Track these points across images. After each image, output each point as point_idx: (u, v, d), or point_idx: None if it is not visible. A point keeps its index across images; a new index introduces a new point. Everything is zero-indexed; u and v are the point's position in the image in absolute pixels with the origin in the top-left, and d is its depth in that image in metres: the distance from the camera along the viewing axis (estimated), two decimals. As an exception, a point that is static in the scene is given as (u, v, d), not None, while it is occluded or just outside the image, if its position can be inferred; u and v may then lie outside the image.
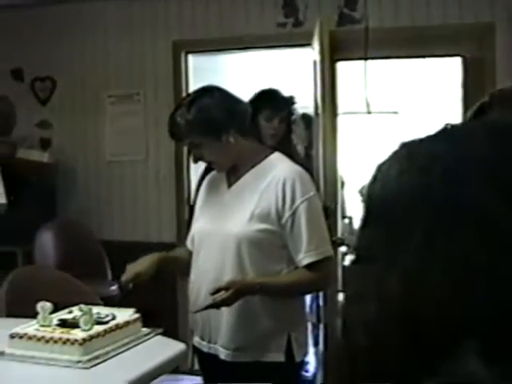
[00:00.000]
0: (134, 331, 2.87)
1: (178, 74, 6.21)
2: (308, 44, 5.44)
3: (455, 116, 5.93)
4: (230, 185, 3.14)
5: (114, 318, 2.86)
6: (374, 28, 5.46)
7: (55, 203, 6.25)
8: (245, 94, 8.91)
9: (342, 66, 5.77)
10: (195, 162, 3.15)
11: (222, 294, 2.84)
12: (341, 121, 5.80)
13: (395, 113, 9.27)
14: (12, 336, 2.69)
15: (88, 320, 2.71)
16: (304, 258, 2.97)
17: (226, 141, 3.01)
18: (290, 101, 4.92)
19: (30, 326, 2.75)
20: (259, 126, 4.49)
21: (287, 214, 2.96)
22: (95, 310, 2.89)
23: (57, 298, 3.04)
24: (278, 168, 3.05)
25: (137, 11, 6.22)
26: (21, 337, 2.67)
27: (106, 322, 2.79)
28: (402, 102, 9.17)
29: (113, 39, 6.32)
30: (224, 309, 2.92)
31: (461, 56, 5.54)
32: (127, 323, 2.84)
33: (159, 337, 2.94)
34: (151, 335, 2.91)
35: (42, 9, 6.45)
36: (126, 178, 6.20)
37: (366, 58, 5.09)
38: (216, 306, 2.86)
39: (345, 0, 5.63)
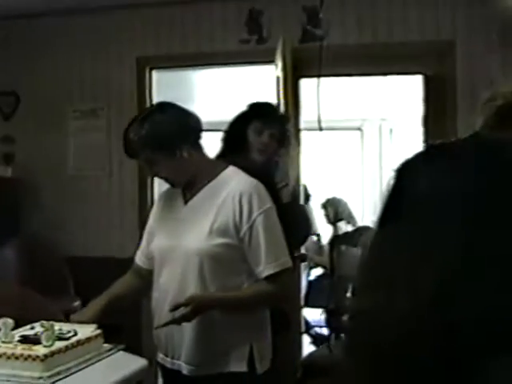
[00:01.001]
0: (96, 347, 2.86)
1: (142, 89, 6.22)
2: (271, 61, 5.48)
3: (417, 133, 6.00)
4: (186, 201, 3.17)
5: (75, 333, 2.85)
6: (336, 45, 5.51)
7: (18, 218, 6.21)
8: (210, 109, 8.93)
9: (306, 83, 5.82)
10: (151, 178, 3.18)
11: (182, 310, 2.87)
12: (304, 137, 5.85)
13: (359, 129, 9.36)
14: (-28, 353, 2.68)
15: (50, 336, 2.70)
16: (263, 270, 3.01)
17: (180, 156, 3.04)
18: (283, 117, 4.60)
19: (-10, 343, 2.73)
20: (247, 139, 4.18)
21: (245, 227, 3.00)
22: (57, 326, 2.87)
23: (18, 314, 3.03)
24: (234, 182, 3.09)
25: (101, 26, 6.22)
26: (-18, 353, 2.66)
27: (68, 338, 2.79)
28: (366, 118, 9.27)
29: (77, 54, 6.31)
30: (186, 324, 2.94)
31: (422, 74, 5.61)
32: (89, 339, 2.83)
33: (121, 352, 2.94)
34: (113, 351, 2.91)
35: (4, 24, 6.42)
36: (89, 193, 6.18)
37: (319, 76, 5.11)
38: (176, 322, 2.89)
39: (308, 17, 5.68)
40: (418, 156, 0.83)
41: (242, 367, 3.04)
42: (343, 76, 6.20)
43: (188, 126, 3.12)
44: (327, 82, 6.41)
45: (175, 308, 2.89)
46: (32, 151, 6.43)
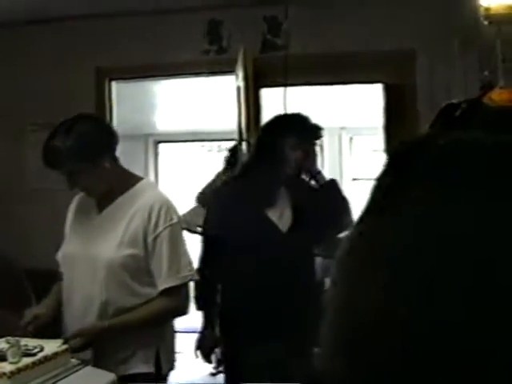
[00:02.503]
0: (63, 362, 2.82)
1: (101, 100, 6.18)
2: (232, 71, 5.48)
3: (377, 141, 6.03)
4: (100, 210, 3.19)
5: (42, 349, 2.80)
6: (296, 54, 5.52)
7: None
8: (171, 119, 8.88)
9: (266, 93, 5.83)
10: (71, 188, 3.18)
11: (76, 342, 2.95)
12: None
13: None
14: None
15: (16, 352, 2.65)
16: (163, 283, 3.09)
17: (102, 166, 3.07)
18: (318, 130, 4.12)
19: (-46, 360, 2.68)
20: (281, 152, 3.88)
21: (150, 238, 3.07)
22: (22, 341, 2.83)
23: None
24: (147, 195, 3.16)
25: (60, 37, 6.16)
26: None
27: (35, 354, 2.74)
28: (326, 127, 9.29)
29: (35, 65, 6.24)
30: None
31: (382, 83, 5.63)
32: (56, 354, 2.79)
33: (89, 367, 2.90)
34: (80, 366, 2.87)
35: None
36: (48, 205, 6.11)
37: (286, 85, 5.12)
38: (74, 351, 2.93)
39: (268, 27, 5.68)
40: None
41: (149, 368, 3.14)
42: (304, 85, 6.21)
43: (110, 136, 3.19)
44: (287, 91, 6.42)
45: (71, 337, 2.96)
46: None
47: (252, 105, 5.23)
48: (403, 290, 0.68)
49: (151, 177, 10.11)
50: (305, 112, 4.07)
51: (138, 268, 3.09)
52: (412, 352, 0.66)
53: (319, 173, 4.13)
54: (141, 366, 3.14)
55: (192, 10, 5.79)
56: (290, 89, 5.65)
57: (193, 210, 6.80)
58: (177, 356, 3.46)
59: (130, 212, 3.11)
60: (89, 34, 6.13)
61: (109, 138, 3.18)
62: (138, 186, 3.22)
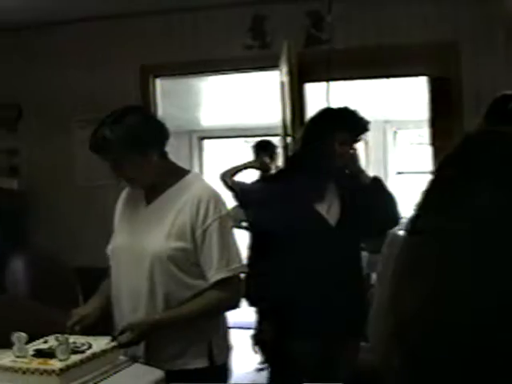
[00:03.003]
0: (112, 359, 2.83)
1: (146, 97, 6.21)
2: (275, 66, 5.47)
3: (422, 135, 5.98)
4: (148, 202, 3.19)
5: (90, 346, 2.82)
6: (340, 48, 5.50)
7: (25, 230, 6.20)
8: (216, 115, 8.90)
9: (310, 88, 5.81)
10: (116, 178, 3.18)
11: (128, 336, 2.94)
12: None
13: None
14: (-14, 369, 2.66)
15: (65, 349, 2.67)
16: (214, 275, 3.07)
17: (150, 158, 3.09)
18: (366, 123, 4.02)
19: (5, 358, 2.71)
20: (329, 146, 3.81)
21: (199, 231, 3.06)
22: (71, 339, 2.85)
23: (29, 328, 3.01)
24: (195, 187, 3.15)
25: (105, 35, 6.22)
26: (-3, 368, 2.64)
27: (83, 351, 2.76)
28: (370, 121, 9.24)
29: (81, 64, 6.30)
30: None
31: (427, 75, 5.59)
32: (104, 352, 2.80)
33: (137, 364, 2.92)
34: (129, 363, 2.89)
35: (6, 35, 6.42)
36: (97, 203, 6.15)
37: (328, 80, 5.10)
38: (124, 346, 2.94)
39: (311, 21, 5.66)
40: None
41: (204, 363, 3.12)
42: (347, 79, 6.18)
43: (158, 129, 3.19)
44: (331, 85, 6.39)
45: (120, 333, 2.94)
46: (38, 162, 6.42)
47: (296, 100, 5.21)
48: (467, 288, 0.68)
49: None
50: (347, 105, 4.02)
51: (187, 261, 3.08)
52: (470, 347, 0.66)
53: (362, 171, 4.08)
54: (194, 361, 3.12)
55: (235, 6, 5.79)
56: (333, 83, 5.63)
57: (237, 206, 6.80)
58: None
59: (177, 204, 3.11)
60: (133, 32, 6.17)
61: (157, 132, 3.18)
62: (186, 178, 3.21)
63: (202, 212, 3.06)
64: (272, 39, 5.75)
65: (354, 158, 3.94)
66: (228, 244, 3.11)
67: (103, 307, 3.30)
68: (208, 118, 9.75)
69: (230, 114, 9.21)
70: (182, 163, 9.02)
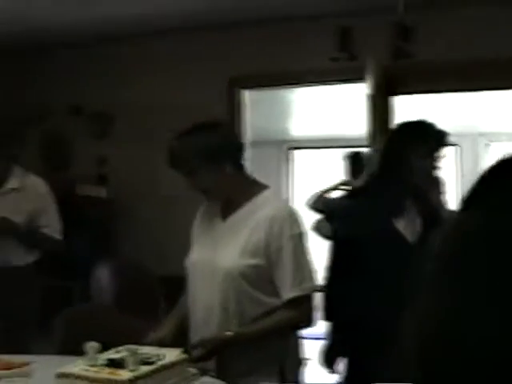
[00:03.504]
0: (181, 372, 2.85)
1: (233, 109, 6.26)
2: (362, 78, 5.43)
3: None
4: (224, 218, 3.19)
5: (161, 358, 2.84)
6: (428, 61, 5.42)
7: (112, 238, 6.29)
8: (304, 126, 8.89)
9: (400, 100, 5.75)
10: (192, 189, 3.19)
11: (198, 352, 2.95)
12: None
13: (455, 145, 9.20)
14: (58, 375, 2.70)
15: (134, 360, 2.69)
16: (287, 294, 3.04)
17: (223, 169, 3.08)
18: (443, 136, 3.86)
19: (77, 366, 2.75)
20: (407, 161, 3.74)
21: (274, 249, 3.03)
22: (144, 349, 2.87)
23: (109, 337, 3.05)
24: (271, 204, 3.13)
25: (192, 47, 6.30)
26: (67, 376, 2.68)
27: (153, 363, 2.78)
28: (463, 133, 9.09)
29: (169, 74, 6.40)
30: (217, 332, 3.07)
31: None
32: (174, 364, 2.82)
33: (206, 377, 2.92)
34: (198, 376, 2.89)
35: (99, 46, 6.56)
36: (181, 212, 6.20)
37: (418, 92, 5.04)
38: (194, 361, 2.94)
39: (399, 33, 5.60)
40: None
41: (273, 381, 3.08)
42: (437, 92, 6.08)
43: (233, 142, 3.21)
44: (421, 97, 6.33)
45: (192, 348, 2.97)
46: (126, 171, 6.53)
47: (381, 112, 5.16)
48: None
49: (284, 183, 10.16)
50: (437, 118, 3.94)
51: (260, 278, 3.07)
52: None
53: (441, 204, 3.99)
54: (264, 378, 3.11)
55: (322, 17, 5.77)
56: (422, 95, 5.56)
57: (323, 219, 6.76)
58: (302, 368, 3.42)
59: (252, 221, 3.10)
60: (220, 44, 6.22)
61: (232, 145, 3.19)
62: (262, 195, 3.20)
63: (276, 229, 3.04)
64: (359, 51, 5.71)
65: (434, 181, 3.86)
66: (302, 263, 3.08)
67: (179, 326, 3.33)
68: (297, 128, 9.75)
69: (320, 124, 9.19)
70: (271, 173, 9.11)
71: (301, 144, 10.29)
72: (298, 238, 3.08)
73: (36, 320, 5.14)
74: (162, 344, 3.15)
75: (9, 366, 2.82)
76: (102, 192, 6.38)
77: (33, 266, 5.27)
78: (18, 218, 5.11)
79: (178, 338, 3.27)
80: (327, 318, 3.91)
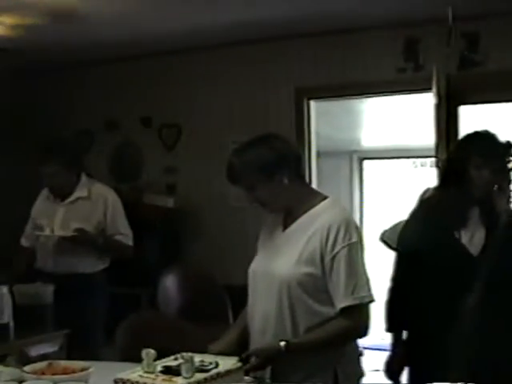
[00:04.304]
0: (236, 380, 2.87)
1: (300, 119, 6.28)
2: (429, 88, 5.40)
3: None
4: (284, 228, 3.21)
5: (217, 365, 2.88)
6: (495, 70, 5.37)
7: (179, 248, 6.37)
8: (373, 137, 8.83)
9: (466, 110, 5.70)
10: (250, 204, 3.21)
11: (252, 362, 2.97)
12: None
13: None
14: (116, 381, 2.75)
15: (189, 368, 2.73)
16: (340, 302, 3.03)
17: (280, 182, 3.08)
18: (505, 147, 3.82)
19: (134, 372, 2.80)
20: (468, 172, 3.73)
21: (328, 258, 3.03)
22: (200, 357, 2.91)
23: (172, 345, 3.10)
24: (327, 214, 3.11)
25: (258, 58, 6.36)
26: (124, 382, 2.73)
27: (208, 370, 2.81)
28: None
29: (236, 86, 6.46)
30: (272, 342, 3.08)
31: None
32: (229, 372, 2.84)
33: (261, 386, 2.94)
34: (253, 384, 2.92)
35: (169, 59, 6.67)
36: (248, 223, 6.25)
37: (484, 102, 4.99)
38: (249, 370, 2.96)
39: (466, 43, 5.56)
40: None
41: None
42: (505, 102, 6.00)
43: (288, 154, 3.17)
44: (491, 108, 6.24)
45: (247, 357, 2.99)
46: (193, 182, 6.61)
47: (445, 122, 5.12)
48: None
49: (356, 193, 10.11)
50: (506, 129, 3.91)
51: (316, 287, 3.07)
52: None
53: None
54: None
55: (388, 28, 5.76)
56: (491, 105, 5.50)
57: (394, 227, 6.72)
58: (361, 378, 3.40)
59: (310, 231, 3.11)
60: (288, 55, 6.26)
61: (289, 157, 3.17)
62: (321, 205, 3.21)
63: (331, 238, 3.04)
64: (425, 61, 5.68)
65: (500, 193, 3.82)
66: (356, 272, 3.06)
67: (239, 338, 3.36)
68: (368, 138, 9.71)
69: (391, 134, 9.13)
70: (342, 183, 9.07)
71: (372, 154, 10.22)
72: (353, 247, 3.06)
73: (103, 326, 5.25)
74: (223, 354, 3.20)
75: (66, 371, 2.88)
76: (169, 202, 6.47)
77: (102, 273, 5.39)
78: (88, 226, 5.23)
79: (238, 350, 3.29)
80: (390, 329, 3.90)
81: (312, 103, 6.34)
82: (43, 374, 2.89)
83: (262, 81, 6.36)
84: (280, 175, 3.11)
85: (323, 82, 6.16)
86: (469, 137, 3.92)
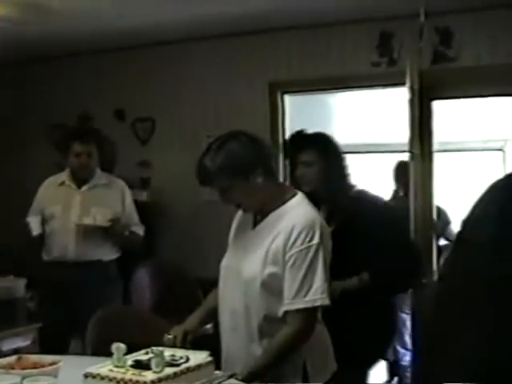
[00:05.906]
0: (206, 374, 2.86)
1: (274, 114, 6.27)
2: (403, 83, 5.40)
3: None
4: (254, 225, 3.20)
5: (187, 360, 2.87)
6: (469, 66, 5.39)
7: (153, 241, 6.34)
8: (347, 132, 8.87)
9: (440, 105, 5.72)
10: (225, 204, 3.19)
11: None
12: (438, 159, 5.72)
13: (500, 150, 9.10)
14: (86, 375, 2.74)
15: (159, 362, 2.72)
16: (289, 304, 3.02)
17: (254, 181, 3.07)
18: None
19: (104, 366, 2.79)
20: None
21: (287, 258, 3.01)
22: (170, 351, 2.90)
23: (144, 340, 3.09)
24: (293, 213, 3.10)
25: (233, 52, 6.34)
26: (94, 377, 2.71)
27: (179, 365, 2.80)
28: (508, 139, 8.99)
29: (210, 80, 6.44)
30: (244, 339, 3.14)
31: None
32: (199, 366, 2.84)
33: (232, 380, 2.93)
34: (223, 379, 2.91)
35: (142, 51, 6.63)
36: (221, 217, 6.21)
37: (458, 97, 5.01)
38: None
39: (440, 38, 5.57)
40: None
41: (297, 382, 3.08)
42: (478, 97, 6.03)
43: (261, 153, 3.14)
44: (463, 103, 6.27)
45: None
46: (167, 176, 6.59)
47: (421, 117, 5.13)
48: None
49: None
50: (480, 123, 3.93)
51: (280, 286, 3.05)
52: None
53: None
54: (288, 380, 3.10)
55: (363, 22, 5.77)
56: (467, 100, 5.53)
57: None
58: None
59: (276, 229, 3.08)
60: (262, 49, 6.24)
61: (261, 154, 3.14)
62: (290, 203, 3.17)
63: (292, 239, 3.02)
64: (399, 56, 5.69)
65: None
66: (314, 273, 3.02)
67: (203, 321, 3.42)
68: (340, 133, 9.71)
69: (362, 130, 9.15)
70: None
71: (345, 149, 10.19)
72: (313, 249, 3.02)
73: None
74: (185, 336, 3.25)
75: (36, 366, 2.86)
76: (143, 196, 6.44)
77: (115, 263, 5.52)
78: (108, 214, 5.30)
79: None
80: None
81: (286, 97, 6.32)
82: (12, 368, 2.87)
83: (236, 74, 6.35)
84: (254, 176, 3.09)
85: (297, 76, 6.15)
86: None
